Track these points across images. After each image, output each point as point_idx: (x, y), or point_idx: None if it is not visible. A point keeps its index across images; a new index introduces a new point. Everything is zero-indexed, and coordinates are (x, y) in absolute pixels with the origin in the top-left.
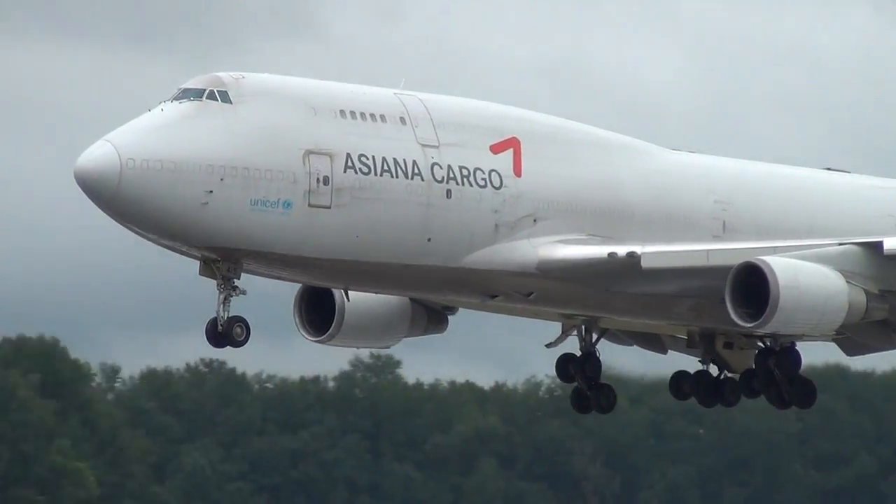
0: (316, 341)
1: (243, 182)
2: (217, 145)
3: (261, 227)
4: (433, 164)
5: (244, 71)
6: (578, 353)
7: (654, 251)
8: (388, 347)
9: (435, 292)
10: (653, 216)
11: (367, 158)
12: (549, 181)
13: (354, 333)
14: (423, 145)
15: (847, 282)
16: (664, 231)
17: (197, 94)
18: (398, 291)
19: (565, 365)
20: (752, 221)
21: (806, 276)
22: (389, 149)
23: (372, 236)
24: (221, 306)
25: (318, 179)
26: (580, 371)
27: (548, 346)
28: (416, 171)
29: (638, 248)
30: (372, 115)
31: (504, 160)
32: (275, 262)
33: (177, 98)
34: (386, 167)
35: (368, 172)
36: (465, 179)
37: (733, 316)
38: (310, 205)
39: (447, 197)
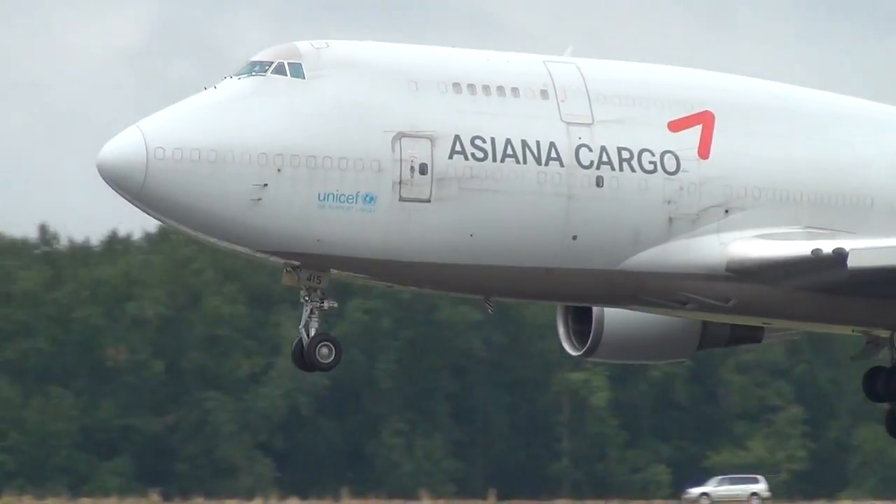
0: (577, 356)
1: (308, 173)
2: (275, 129)
3: (334, 226)
4: (580, 147)
5: None
6: (889, 366)
7: (866, 247)
8: (680, 362)
9: (595, 300)
10: None
11: (484, 141)
12: (749, 163)
13: (622, 348)
14: (570, 123)
15: None
16: None
17: (262, 67)
18: (544, 298)
19: (873, 380)
20: None
21: None
22: (518, 128)
23: (492, 235)
24: (306, 323)
25: (412, 167)
26: (886, 387)
27: (852, 358)
28: (553, 154)
29: (849, 244)
30: (500, 89)
31: (686, 139)
32: (362, 268)
33: (239, 73)
34: (510, 151)
35: (484, 158)
36: (624, 164)
37: None
38: (401, 198)
39: (597, 185)
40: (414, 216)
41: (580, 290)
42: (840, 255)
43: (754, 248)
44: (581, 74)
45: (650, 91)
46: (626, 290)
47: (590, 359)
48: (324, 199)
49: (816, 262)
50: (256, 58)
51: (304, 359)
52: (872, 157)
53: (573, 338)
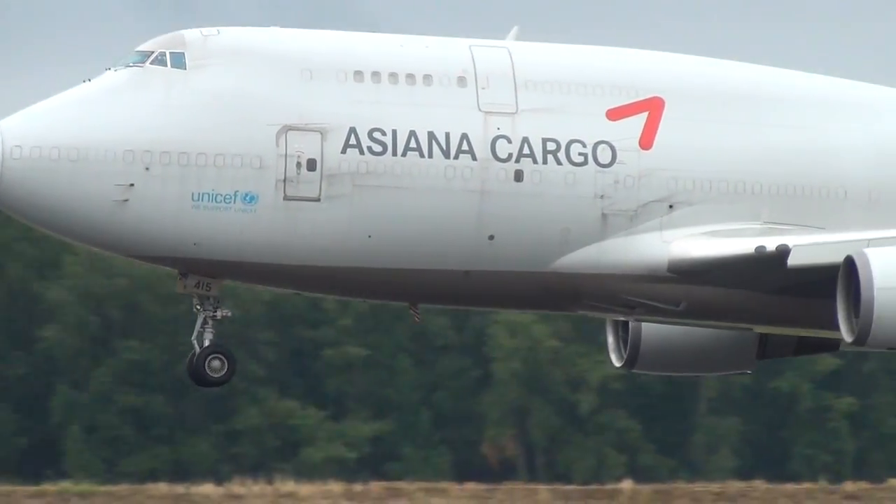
0: (619, 369)
1: (180, 171)
2: (144, 124)
3: (211, 229)
4: (497, 138)
5: None
6: None
7: (810, 243)
8: (741, 373)
9: (531, 304)
10: (885, 195)
11: (384, 134)
12: (699, 153)
13: (667, 359)
14: (489, 112)
15: None
16: None
17: (142, 57)
18: (470, 304)
19: None
20: None
21: None
22: (425, 119)
23: (394, 236)
24: (199, 334)
25: (298, 163)
26: None
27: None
28: (464, 147)
29: (802, 239)
30: (409, 77)
31: (626, 128)
32: (246, 273)
33: (117, 65)
34: (413, 144)
35: (383, 152)
36: (549, 156)
37: (841, 327)
38: (286, 197)
39: (516, 180)
40: (301, 216)
41: (509, 294)
42: (783, 253)
43: (697, 246)
44: (510, 59)
45: (590, 76)
46: (563, 294)
47: (636, 371)
48: (198, 199)
49: (761, 260)
50: (140, 47)
51: (194, 372)
52: (847, 143)
53: (622, 348)
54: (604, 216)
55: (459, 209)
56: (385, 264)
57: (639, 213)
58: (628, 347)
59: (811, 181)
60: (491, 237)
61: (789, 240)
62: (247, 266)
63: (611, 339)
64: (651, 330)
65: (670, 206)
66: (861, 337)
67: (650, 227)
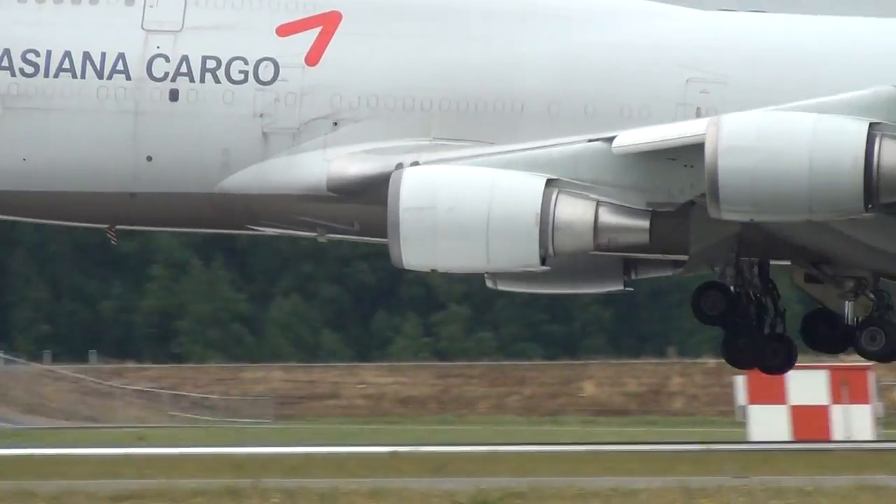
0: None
1: None
2: None
3: None
4: (155, 57)
5: None
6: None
7: (436, 159)
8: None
9: (208, 224)
10: (565, 109)
11: (38, 55)
12: (366, 69)
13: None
14: (151, 31)
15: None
16: (589, 128)
17: None
18: (145, 225)
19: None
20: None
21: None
22: (82, 40)
23: (49, 159)
24: None
25: None
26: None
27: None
28: (119, 67)
29: (426, 156)
30: None
31: (294, 45)
32: None
33: None
34: (66, 65)
35: (34, 73)
36: (207, 74)
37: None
38: None
39: (172, 100)
40: None
41: (181, 215)
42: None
43: (354, 164)
44: None
45: None
46: (235, 214)
47: (501, 289)
48: None
49: None
50: None
51: None
52: (528, 56)
53: None
54: (265, 135)
55: (114, 131)
56: (43, 187)
57: (301, 131)
58: None
59: (485, 96)
60: (149, 158)
61: (426, 157)
62: None
63: None
64: None
65: (335, 124)
66: (395, 258)
67: (314, 145)
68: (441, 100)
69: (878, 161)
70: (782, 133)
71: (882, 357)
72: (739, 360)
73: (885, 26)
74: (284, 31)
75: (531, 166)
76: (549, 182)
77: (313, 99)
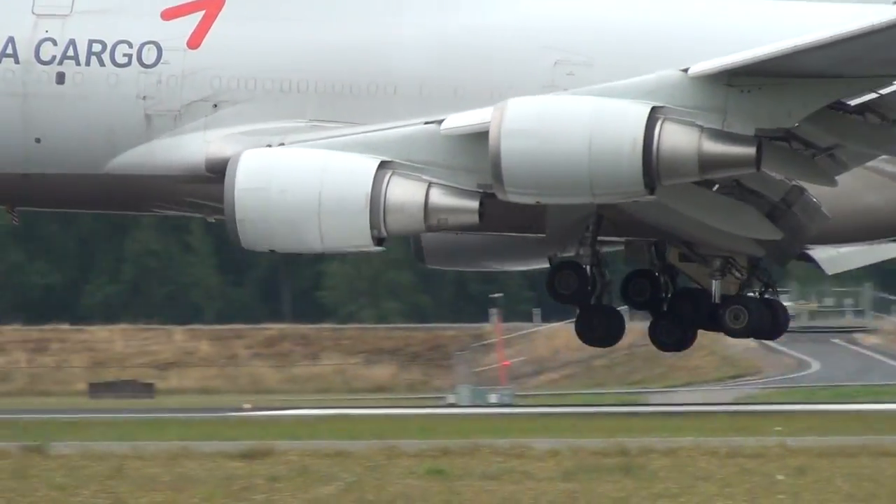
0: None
1: None
2: None
3: None
4: (43, 41)
5: None
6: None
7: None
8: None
9: (101, 206)
10: (435, 91)
11: None
12: (244, 52)
13: (454, 255)
14: (41, 15)
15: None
16: (460, 110)
17: None
18: (44, 206)
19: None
20: None
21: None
22: None
23: None
24: None
25: None
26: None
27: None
28: (9, 51)
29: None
30: None
31: (177, 28)
32: None
33: None
34: None
35: None
36: (93, 58)
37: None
38: None
39: (58, 82)
40: None
41: (73, 196)
42: None
43: (230, 145)
44: None
45: None
46: (125, 196)
47: (430, 266)
48: None
49: None
50: None
51: None
52: (403, 39)
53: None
54: (148, 117)
55: (3, 113)
56: None
57: (183, 113)
58: (412, 242)
59: (359, 78)
60: (38, 140)
61: (293, 139)
62: None
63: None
64: None
65: (215, 106)
66: (233, 239)
67: (195, 127)
68: (317, 82)
69: (658, 144)
70: (563, 117)
71: (746, 335)
72: (592, 339)
73: (751, 8)
74: (169, 14)
75: (367, 148)
76: (384, 164)
77: (194, 81)
